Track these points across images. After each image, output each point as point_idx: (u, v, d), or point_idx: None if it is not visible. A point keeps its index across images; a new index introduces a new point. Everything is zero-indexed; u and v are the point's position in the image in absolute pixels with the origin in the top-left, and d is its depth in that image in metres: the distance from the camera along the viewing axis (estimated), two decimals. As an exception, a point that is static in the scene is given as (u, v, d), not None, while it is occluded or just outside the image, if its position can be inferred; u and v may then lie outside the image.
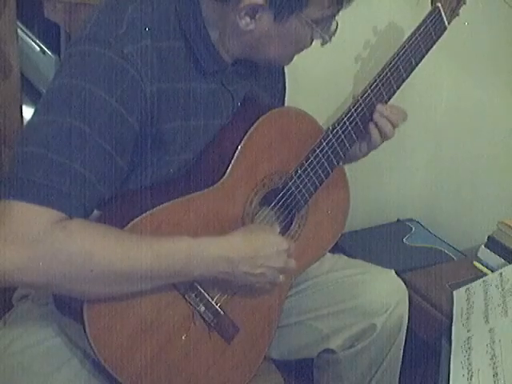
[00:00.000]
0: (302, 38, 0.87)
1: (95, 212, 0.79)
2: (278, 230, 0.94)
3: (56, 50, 1.29)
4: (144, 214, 0.79)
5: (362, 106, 0.99)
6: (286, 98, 1.08)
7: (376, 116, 1.01)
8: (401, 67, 1.02)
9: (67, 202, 0.72)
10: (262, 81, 1.00)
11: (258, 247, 0.85)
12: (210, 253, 0.81)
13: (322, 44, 0.90)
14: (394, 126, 1.03)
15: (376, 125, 1.02)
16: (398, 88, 1.04)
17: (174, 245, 0.78)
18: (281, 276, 0.90)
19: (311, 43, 0.90)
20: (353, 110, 0.99)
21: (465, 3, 1.13)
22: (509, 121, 1.45)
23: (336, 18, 0.88)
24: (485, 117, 1.50)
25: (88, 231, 0.73)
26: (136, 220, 0.78)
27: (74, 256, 0.71)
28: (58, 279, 0.72)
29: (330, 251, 1.09)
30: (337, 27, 0.89)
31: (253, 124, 0.88)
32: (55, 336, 0.88)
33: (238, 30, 0.83)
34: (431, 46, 1.07)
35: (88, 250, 0.72)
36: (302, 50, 0.91)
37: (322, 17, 0.84)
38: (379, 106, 1.01)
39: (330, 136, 0.97)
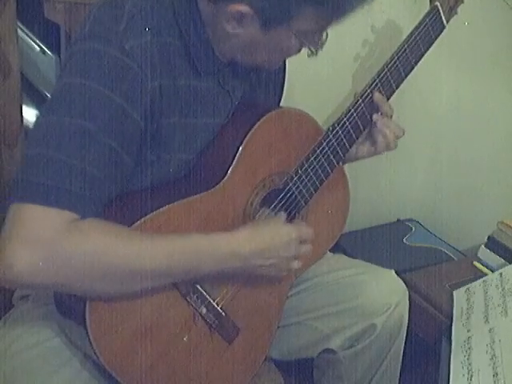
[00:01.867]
0: (289, 47, 0.86)
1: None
2: (284, 218, 0.94)
3: (56, 49, 1.28)
4: (145, 217, 0.79)
5: (362, 105, 0.99)
6: (284, 96, 1.08)
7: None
8: (400, 66, 1.02)
9: (78, 203, 0.73)
10: (261, 78, 0.99)
11: (266, 239, 0.85)
12: (221, 249, 0.81)
13: (309, 56, 0.89)
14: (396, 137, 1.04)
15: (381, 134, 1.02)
16: (397, 87, 1.04)
17: (185, 242, 0.79)
18: (295, 262, 0.90)
19: (299, 51, 0.89)
20: (352, 110, 0.99)
21: (463, 2, 1.13)
22: (509, 121, 1.46)
23: (326, 31, 0.87)
24: (485, 117, 1.50)
25: (101, 231, 0.74)
26: (137, 223, 0.78)
27: (89, 256, 0.71)
28: (73, 280, 0.72)
29: (330, 251, 1.09)
30: (326, 39, 0.88)
31: (253, 125, 0.88)
32: (55, 336, 0.88)
33: (225, 32, 0.83)
34: (430, 46, 1.07)
35: (102, 249, 0.72)
36: (290, 56, 0.90)
37: (310, 30, 0.83)
38: (377, 117, 1.01)
39: (330, 136, 0.97)
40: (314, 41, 0.87)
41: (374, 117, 1.01)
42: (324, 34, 0.87)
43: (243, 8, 0.78)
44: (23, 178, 0.72)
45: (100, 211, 0.76)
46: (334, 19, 0.83)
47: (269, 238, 0.86)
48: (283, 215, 0.93)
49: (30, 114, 1.13)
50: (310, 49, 0.88)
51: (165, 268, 0.77)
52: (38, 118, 0.76)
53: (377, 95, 1.00)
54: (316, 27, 0.83)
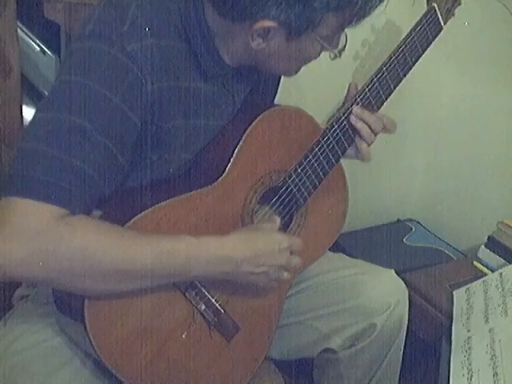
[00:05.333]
0: (312, 52, 0.87)
1: (97, 212, 0.80)
2: (279, 223, 0.93)
3: (56, 49, 1.29)
4: (143, 212, 0.79)
5: (360, 105, 1.00)
6: (283, 96, 1.08)
7: (352, 118, 0.99)
8: (397, 66, 1.02)
9: (68, 198, 0.72)
10: (262, 78, 1.00)
11: (259, 246, 0.84)
12: (211, 253, 0.81)
13: (332, 58, 0.90)
14: (373, 132, 1.01)
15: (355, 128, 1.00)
16: (395, 87, 1.04)
17: (174, 244, 0.78)
18: (285, 273, 0.89)
19: (319, 56, 0.90)
20: (351, 108, 0.99)
21: (460, 4, 1.14)
22: (509, 121, 1.46)
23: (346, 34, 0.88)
24: (485, 117, 1.50)
25: (90, 228, 0.73)
26: (136, 218, 0.78)
27: (76, 252, 0.71)
28: (59, 274, 0.72)
29: (329, 251, 1.09)
30: (346, 41, 0.89)
31: (251, 122, 0.88)
32: (56, 336, 0.88)
33: (248, 47, 0.83)
34: (428, 46, 1.07)
35: (89, 246, 0.72)
36: (310, 62, 0.91)
37: (331, 33, 0.84)
38: (356, 109, 0.99)
39: (329, 135, 0.97)
40: (335, 43, 0.88)
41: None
42: (343, 37, 0.88)
43: (269, 23, 0.79)
44: (13, 171, 0.72)
45: (90, 209, 0.76)
46: (355, 21, 0.84)
47: (262, 244, 0.85)
48: (278, 220, 0.93)
49: (29, 114, 1.13)
50: (333, 52, 0.88)
51: (153, 268, 0.76)
52: (34, 114, 0.76)
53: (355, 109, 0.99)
54: (337, 30, 0.85)
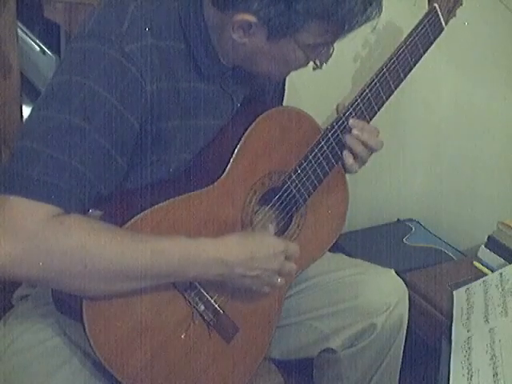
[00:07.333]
0: (294, 59, 0.86)
1: (97, 212, 0.79)
2: (274, 230, 0.93)
3: (56, 50, 1.29)
4: (143, 213, 0.79)
5: (360, 105, 1.00)
6: (284, 98, 1.08)
7: (347, 138, 0.98)
8: (398, 67, 1.02)
9: (64, 198, 0.72)
10: (262, 81, 1.00)
11: (253, 249, 0.84)
12: (206, 255, 0.81)
13: (314, 69, 0.90)
14: (367, 147, 0.99)
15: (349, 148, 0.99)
16: (395, 88, 1.03)
17: (170, 245, 0.78)
18: (278, 278, 0.89)
19: (306, 64, 0.89)
20: (351, 109, 0.99)
21: (461, 5, 1.13)
22: (508, 121, 1.46)
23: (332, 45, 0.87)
24: (485, 117, 1.50)
25: (85, 227, 0.73)
26: (135, 218, 0.78)
27: (70, 251, 0.71)
28: (53, 274, 0.72)
29: (329, 251, 1.09)
30: (332, 53, 0.89)
31: (251, 123, 0.88)
32: (55, 336, 0.88)
33: (232, 40, 0.83)
34: (429, 47, 1.07)
35: (83, 245, 0.72)
36: (297, 69, 0.90)
37: (315, 43, 0.84)
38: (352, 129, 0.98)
39: (329, 135, 0.97)
40: (319, 55, 0.87)
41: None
42: (331, 48, 0.88)
43: (249, 18, 0.79)
44: (9, 169, 0.72)
45: (86, 209, 0.76)
46: (340, 35, 0.83)
47: (256, 247, 0.85)
48: (271, 227, 0.93)
49: (29, 114, 1.13)
50: (314, 62, 0.88)
51: (147, 268, 0.76)
52: (31, 111, 0.76)
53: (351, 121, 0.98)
54: (321, 41, 0.84)
